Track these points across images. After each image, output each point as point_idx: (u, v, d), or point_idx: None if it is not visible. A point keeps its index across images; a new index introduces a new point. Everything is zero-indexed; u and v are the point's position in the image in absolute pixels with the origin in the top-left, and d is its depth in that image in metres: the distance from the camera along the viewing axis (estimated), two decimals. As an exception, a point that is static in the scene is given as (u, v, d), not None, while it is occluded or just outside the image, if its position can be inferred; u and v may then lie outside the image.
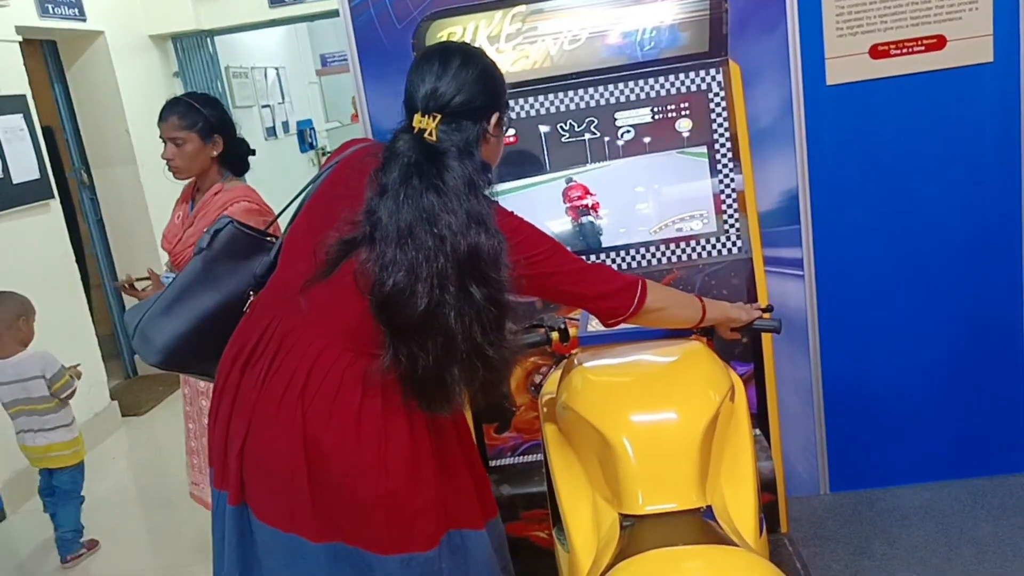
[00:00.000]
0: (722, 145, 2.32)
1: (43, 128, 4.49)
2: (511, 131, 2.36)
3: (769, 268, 2.46)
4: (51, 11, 4.47)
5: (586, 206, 2.37)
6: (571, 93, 2.34)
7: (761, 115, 2.41)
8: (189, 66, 5.87)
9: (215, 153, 2.38)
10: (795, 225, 2.51)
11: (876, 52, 2.42)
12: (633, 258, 2.36)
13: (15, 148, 3.99)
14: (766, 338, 2.39)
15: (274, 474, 1.41)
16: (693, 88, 2.32)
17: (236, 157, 2.45)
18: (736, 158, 2.32)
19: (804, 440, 2.67)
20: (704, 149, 2.32)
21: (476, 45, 1.61)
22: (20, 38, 4.21)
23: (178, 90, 5.84)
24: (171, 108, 2.36)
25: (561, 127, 2.35)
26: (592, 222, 2.37)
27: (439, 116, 1.45)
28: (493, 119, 1.52)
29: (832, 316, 2.59)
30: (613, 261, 2.36)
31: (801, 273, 2.54)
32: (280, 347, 1.44)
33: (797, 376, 2.62)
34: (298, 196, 1.58)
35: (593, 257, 2.36)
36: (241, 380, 1.46)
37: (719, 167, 2.32)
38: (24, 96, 4.12)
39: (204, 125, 2.34)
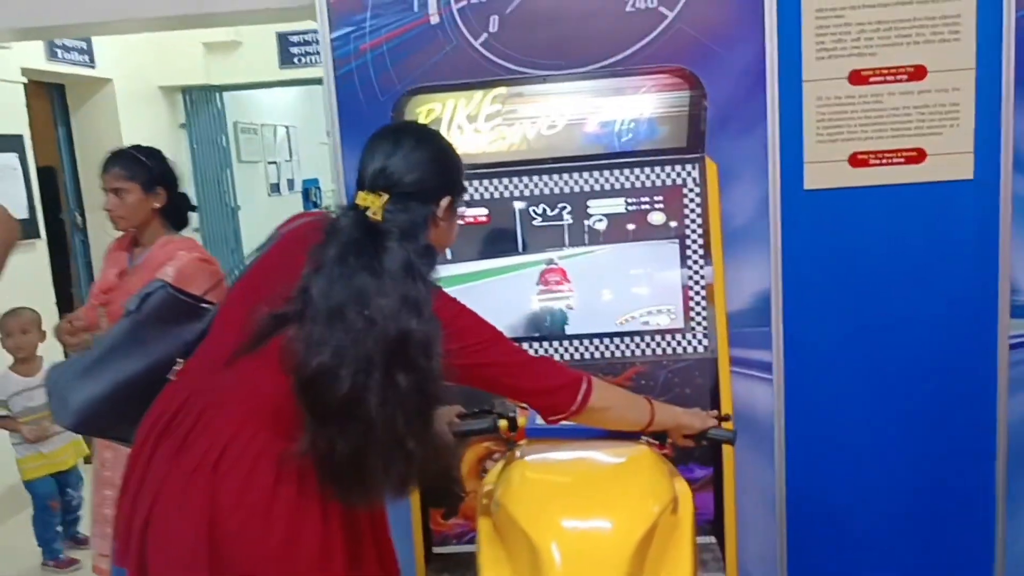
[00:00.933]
0: (694, 241, 2.29)
1: (43, 168, 4.53)
2: (483, 211, 2.35)
3: (737, 369, 2.41)
4: (60, 56, 4.54)
5: (560, 292, 2.34)
6: (545, 177, 2.33)
7: (736, 213, 2.39)
8: (196, 118, 5.95)
9: (157, 205, 2.40)
10: (765, 327, 2.46)
11: (855, 160, 2.40)
12: (597, 348, 2.31)
13: (7, 186, 4.01)
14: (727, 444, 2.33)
15: (174, 559, 1.35)
16: (668, 182, 2.30)
17: (178, 211, 2.48)
18: (707, 255, 2.29)
19: (763, 550, 2.57)
20: (676, 243, 2.30)
21: (435, 128, 1.59)
22: (25, 80, 4.27)
23: (183, 141, 5.91)
24: (114, 159, 2.38)
25: (534, 210, 2.33)
26: (561, 310, 2.33)
27: (386, 196, 1.43)
28: (444, 202, 1.50)
29: (800, 423, 2.52)
30: (576, 350, 2.31)
31: (770, 377, 2.48)
32: (197, 421, 1.39)
33: (760, 483, 2.54)
34: (239, 266, 1.55)
35: (556, 344, 2.31)
36: (154, 453, 1.41)
37: (690, 262, 2.29)
38: (21, 136, 4.16)
39: (147, 177, 2.37)
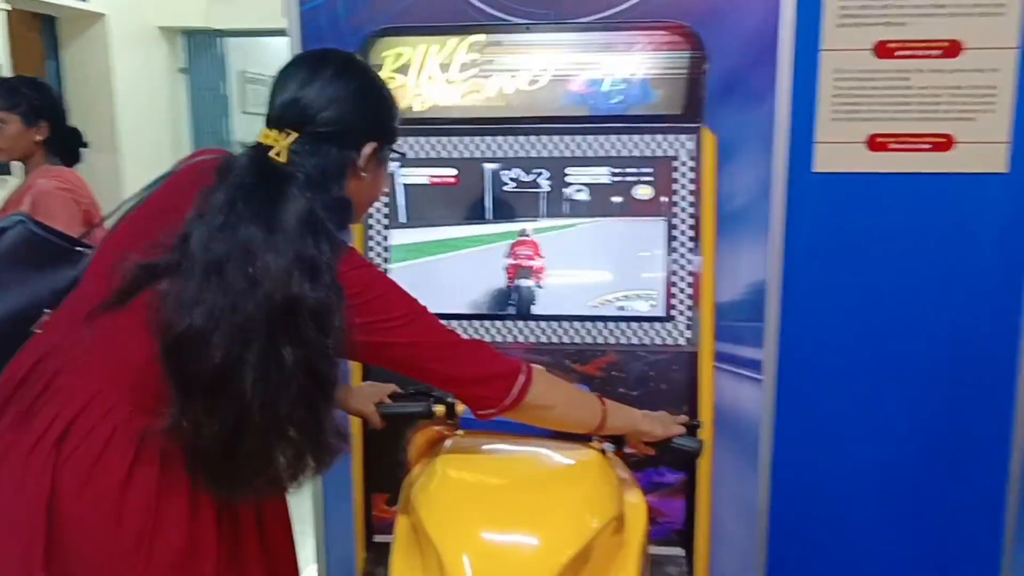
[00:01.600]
0: (683, 221, 2.05)
1: (30, 103, 4.32)
2: (452, 171, 2.11)
3: (723, 366, 2.17)
4: (49, -15, 4.33)
5: (530, 268, 2.10)
6: (522, 138, 2.08)
7: (734, 194, 2.13)
8: (197, 63, 5.73)
9: (38, 138, 2.37)
10: (759, 322, 2.21)
11: (874, 143, 2.14)
12: (565, 332, 2.07)
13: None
14: (705, 447, 2.09)
15: (7, 551, 1.13)
16: (659, 152, 2.05)
17: (66, 145, 2.43)
18: (697, 237, 2.05)
19: (740, 565, 2.34)
20: (663, 221, 2.05)
21: (362, 59, 1.36)
22: (8, 7, 4.05)
23: (182, 85, 5.70)
24: None
25: (507, 174, 2.09)
26: (530, 287, 2.10)
27: (295, 134, 1.20)
28: (367, 149, 1.26)
29: (790, 429, 2.28)
30: (543, 332, 2.08)
31: (760, 377, 2.24)
32: (48, 386, 1.17)
33: (740, 491, 2.30)
34: (125, 203, 1.33)
35: (520, 324, 2.08)
36: (2, 415, 1.19)
37: (676, 244, 2.05)
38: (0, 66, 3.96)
39: (27, 108, 2.33)
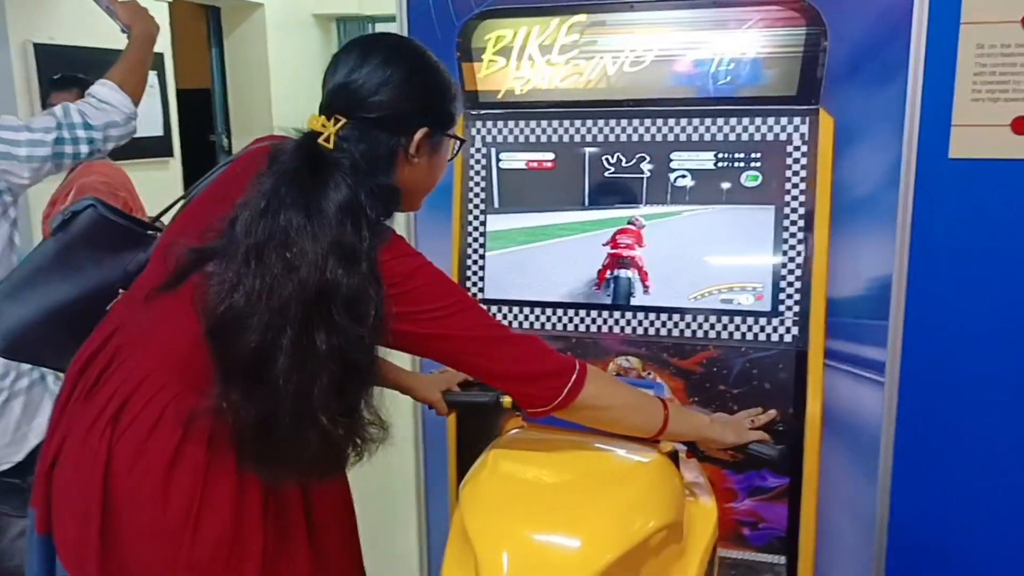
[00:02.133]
0: (794, 210, 1.91)
1: (197, 90, 4.62)
2: (550, 155, 2.06)
3: (838, 365, 2.02)
4: (210, -23, 4.58)
5: (630, 258, 2.03)
6: (624, 122, 2.00)
7: (855, 182, 1.97)
8: (350, 49, 5.91)
9: None
10: (881, 320, 2.04)
11: (1020, 126, 1.92)
12: (664, 324, 1.99)
13: (143, 103, 4.08)
14: (810, 449, 1.97)
15: (69, 511, 1.20)
16: (770, 136, 1.92)
17: None
18: (809, 227, 1.91)
19: (853, 577, 2.19)
20: (771, 210, 1.93)
21: (417, 41, 1.32)
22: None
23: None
24: (70, 82, 2.45)
25: (607, 159, 2.02)
26: (628, 278, 2.02)
27: (343, 120, 1.19)
28: (419, 134, 1.24)
29: (913, 436, 2.10)
30: (640, 324, 2.00)
31: (881, 379, 2.07)
32: (111, 362, 1.23)
33: (857, 499, 2.14)
34: (192, 189, 1.37)
35: (617, 315, 2.01)
36: (71, 392, 1.26)
37: (786, 234, 1.92)
38: (161, 55, 4.23)
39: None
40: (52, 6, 3.84)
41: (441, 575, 1.31)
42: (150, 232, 1.45)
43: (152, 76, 4.19)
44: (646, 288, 2.00)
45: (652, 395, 1.39)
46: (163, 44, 4.27)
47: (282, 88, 5.17)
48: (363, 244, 1.13)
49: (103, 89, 1.94)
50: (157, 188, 4.27)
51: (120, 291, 1.37)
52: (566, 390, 1.25)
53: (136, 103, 2.02)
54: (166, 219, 1.46)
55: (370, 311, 1.12)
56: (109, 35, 3.95)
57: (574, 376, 1.26)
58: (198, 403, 1.15)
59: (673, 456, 1.47)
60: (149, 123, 4.11)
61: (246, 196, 1.16)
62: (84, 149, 1.86)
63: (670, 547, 1.26)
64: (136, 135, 4.01)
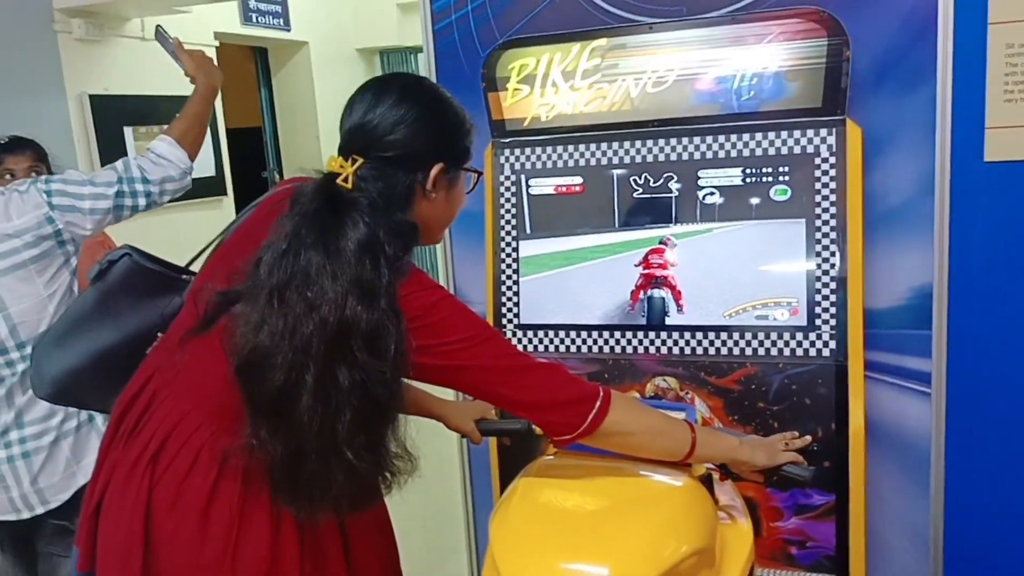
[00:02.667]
0: (825, 222, 1.89)
1: (248, 129, 4.76)
2: (578, 179, 2.08)
3: (883, 377, 1.99)
4: (254, 20, 4.71)
5: (664, 277, 2.03)
6: (650, 142, 2.01)
7: (889, 191, 1.94)
8: (394, 80, 6.02)
9: None
10: (925, 330, 2.00)
11: (1058, 125, 1.87)
12: (700, 344, 1.98)
13: (195, 146, 4.22)
14: (855, 464, 1.93)
15: (112, 552, 1.25)
16: (797, 150, 1.91)
17: None
18: (842, 239, 1.88)
19: (911, 596, 2.14)
20: (803, 223, 1.91)
21: (430, 80, 1.36)
22: (217, 43, 4.46)
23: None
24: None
25: (635, 180, 2.03)
26: (662, 297, 2.02)
27: (360, 160, 1.23)
28: (435, 170, 1.26)
29: (964, 447, 2.04)
30: (676, 344, 2.00)
31: (927, 390, 2.02)
32: (150, 403, 1.28)
33: (910, 517, 2.09)
34: (220, 235, 1.42)
35: (652, 336, 2.01)
36: (114, 434, 1.31)
37: (819, 247, 1.90)
38: (211, 97, 4.36)
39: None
40: (106, 58, 4.01)
41: None
42: (184, 276, 1.50)
43: (202, 118, 4.32)
44: (680, 307, 1.99)
45: (679, 419, 1.39)
46: (212, 87, 4.41)
47: (329, 123, 5.27)
48: (382, 280, 1.15)
49: (162, 145, 2.03)
50: (212, 227, 4.39)
51: (158, 335, 1.43)
52: (591, 417, 1.25)
53: (193, 157, 2.10)
54: (199, 263, 1.51)
55: (391, 346, 1.14)
56: (159, 84, 4.13)
57: (598, 403, 1.26)
58: (231, 442, 1.19)
59: (707, 479, 1.46)
60: (202, 164, 4.21)
61: (270, 238, 1.20)
62: (142, 202, 1.95)
63: (703, 572, 1.25)
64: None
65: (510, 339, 2.02)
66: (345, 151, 1.25)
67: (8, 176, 2.53)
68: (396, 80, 1.30)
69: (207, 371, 1.23)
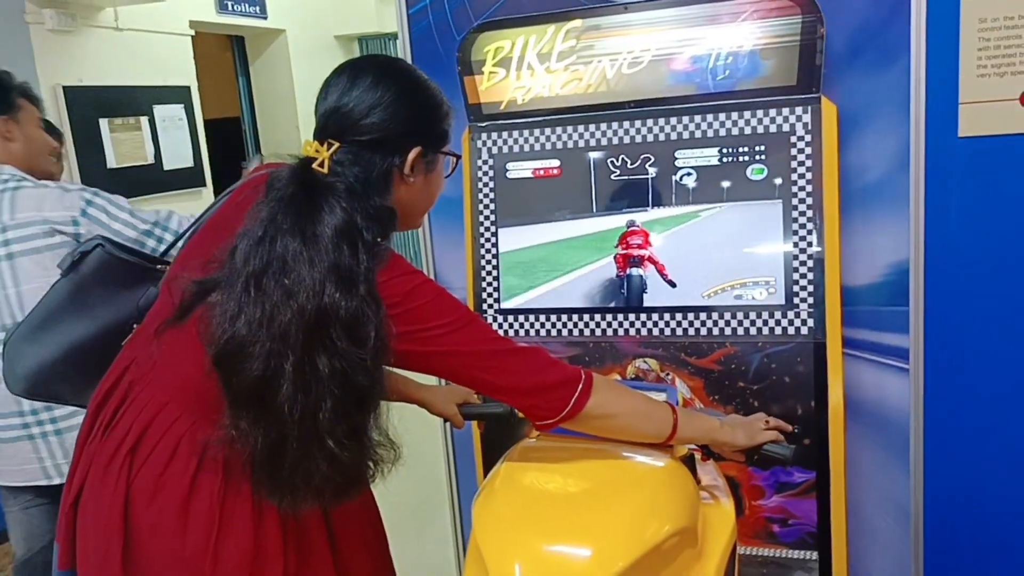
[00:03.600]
0: (801, 200, 1.90)
1: (226, 119, 4.72)
2: (555, 162, 2.07)
3: (862, 354, 1.99)
4: (230, 8, 4.67)
5: (641, 257, 2.03)
6: (626, 124, 2.01)
7: (865, 168, 1.94)
8: (374, 67, 5.98)
9: None
10: (902, 306, 2.01)
11: (1031, 99, 1.88)
12: (679, 324, 1.98)
13: (172, 136, 4.19)
14: (835, 441, 1.94)
15: (92, 546, 1.24)
16: (772, 128, 1.91)
17: None
18: (818, 217, 1.89)
19: (893, 571, 2.15)
20: (779, 203, 1.91)
21: (406, 62, 1.34)
22: (193, 32, 4.41)
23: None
24: None
25: (612, 162, 2.03)
26: (640, 275, 2.02)
27: (336, 144, 1.21)
28: (412, 154, 1.25)
29: (943, 422, 2.06)
30: (655, 325, 2.00)
31: (906, 366, 2.04)
32: (126, 396, 1.26)
33: (891, 492, 2.10)
34: (193, 224, 1.40)
35: (631, 317, 2.01)
36: (90, 428, 1.30)
37: (796, 226, 1.90)
38: (188, 88, 4.32)
39: None
40: (79, 49, 3.96)
41: None
42: (159, 267, 1.48)
43: (179, 109, 4.29)
44: (671, 282, 1.99)
45: (661, 401, 1.38)
46: (189, 76, 4.36)
47: (309, 111, 5.23)
48: (360, 267, 1.14)
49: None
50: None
51: (134, 326, 1.41)
52: (573, 401, 1.25)
53: None
54: (174, 252, 1.49)
55: (370, 333, 1.13)
56: (134, 74, 4.10)
57: (580, 386, 1.26)
58: (211, 433, 1.18)
59: (689, 459, 1.46)
60: (179, 156, 4.21)
61: (245, 225, 1.18)
62: (161, 248, 1.99)
63: (686, 552, 1.25)
64: (167, 167, 4.14)
65: (491, 323, 2.02)
66: (320, 135, 1.23)
67: None
68: (371, 62, 1.28)
69: (184, 362, 1.22)
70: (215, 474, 1.20)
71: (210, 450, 1.19)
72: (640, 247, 2.01)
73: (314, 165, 1.21)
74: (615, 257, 2.03)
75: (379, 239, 1.20)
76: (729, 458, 1.46)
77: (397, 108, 1.23)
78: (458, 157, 1.37)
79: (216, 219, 1.34)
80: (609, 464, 1.36)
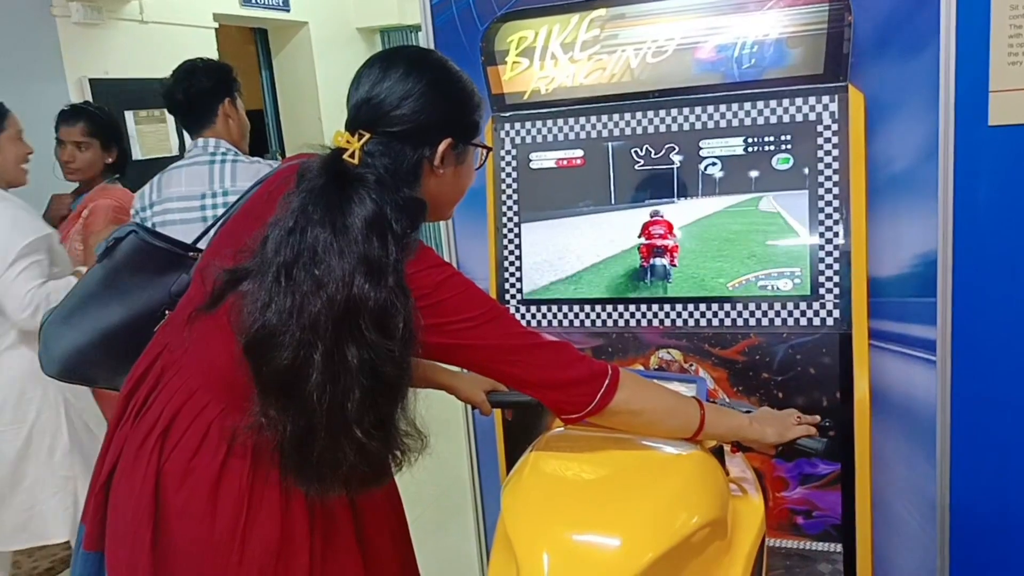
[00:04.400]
0: (828, 191, 1.88)
1: (249, 112, 4.72)
2: (578, 152, 2.07)
3: (888, 346, 1.98)
4: (253, 1, 4.68)
5: (665, 247, 2.02)
6: (651, 114, 1.99)
7: (892, 157, 1.92)
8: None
9: (109, 161, 2.76)
10: (930, 297, 1.99)
11: (1063, 87, 1.85)
12: (703, 315, 1.97)
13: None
14: (860, 433, 1.93)
15: (122, 528, 1.25)
16: (799, 117, 1.89)
17: (122, 166, 2.83)
18: (845, 207, 1.87)
19: (918, 564, 2.13)
20: (805, 193, 1.89)
21: (438, 53, 1.33)
22: (216, 25, 4.43)
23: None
24: (76, 115, 2.70)
25: (636, 152, 2.02)
26: (664, 266, 2.01)
27: (367, 135, 1.21)
28: (443, 145, 1.24)
29: (970, 415, 2.03)
30: (679, 316, 1.99)
31: (933, 357, 2.01)
32: (158, 382, 1.28)
33: (917, 485, 2.09)
34: (226, 212, 1.41)
35: (655, 308, 2.01)
36: (123, 411, 1.32)
37: (822, 216, 1.88)
38: (212, 80, 4.34)
39: (105, 134, 2.73)
40: (105, 42, 4.00)
41: None
42: (191, 254, 1.49)
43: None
44: (673, 264, 1.99)
45: (688, 396, 1.38)
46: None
47: (331, 103, 5.27)
48: (390, 258, 1.14)
49: None
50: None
51: (166, 312, 1.42)
52: (599, 396, 1.24)
53: None
54: (206, 240, 1.50)
55: (399, 324, 1.13)
56: (159, 66, 4.12)
57: (607, 382, 1.25)
58: (240, 420, 1.19)
59: (718, 450, 1.46)
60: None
61: (276, 215, 1.18)
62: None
63: (714, 544, 1.25)
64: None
65: (513, 314, 2.01)
66: (352, 126, 1.23)
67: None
68: (403, 53, 1.28)
69: (215, 349, 1.23)
70: (244, 460, 1.21)
71: (239, 436, 1.20)
72: (663, 237, 2.00)
73: (345, 156, 1.21)
74: (639, 248, 2.02)
75: (409, 231, 1.20)
76: (760, 451, 1.45)
77: (428, 99, 1.23)
78: (489, 149, 1.37)
79: (248, 208, 1.35)
80: (638, 454, 1.35)
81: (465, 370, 1.79)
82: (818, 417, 1.53)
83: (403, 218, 1.19)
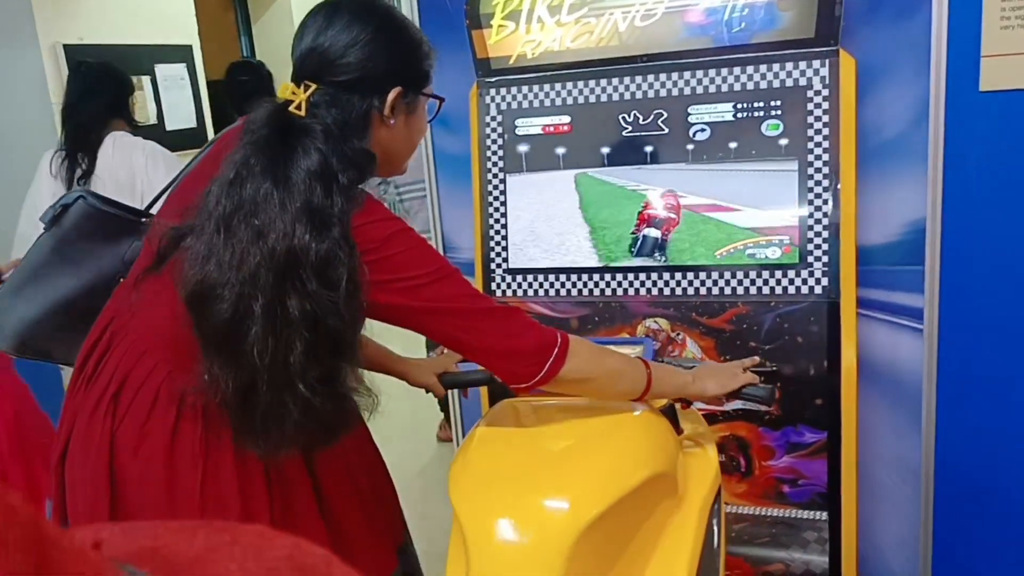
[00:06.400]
0: (818, 157, 1.86)
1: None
2: (565, 118, 2.03)
3: (876, 314, 1.97)
4: (232, -35, 4.58)
5: (660, 217, 1.99)
6: (639, 79, 1.96)
7: (883, 124, 1.90)
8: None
9: None
10: (918, 266, 1.98)
11: (1056, 53, 1.83)
12: (691, 283, 1.95)
13: (174, 96, 4.13)
14: (847, 401, 1.92)
15: (80, 496, 1.22)
16: (789, 83, 1.86)
17: None
18: (834, 174, 1.85)
19: (903, 531, 2.14)
20: (795, 160, 1.87)
21: (384, 1, 1.29)
22: (194, -10, 4.34)
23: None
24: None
25: (624, 118, 1.98)
26: (656, 238, 1.99)
27: (313, 86, 1.17)
28: (392, 94, 1.21)
29: (956, 383, 2.03)
30: (667, 284, 1.97)
31: (920, 326, 2.01)
32: (108, 347, 1.24)
33: (901, 452, 2.09)
34: (178, 175, 1.37)
35: (643, 276, 1.98)
36: (75, 381, 1.28)
37: (812, 183, 1.86)
38: (190, 47, 4.25)
39: None
40: (80, 6, 3.89)
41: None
42: (144, 220, 1.44)
43: (181, 68, 4.23)
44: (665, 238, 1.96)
45: (635, 358, 1.36)
46: (191, 35, 4.29)
47: (312, 71, 5.19)
48: (334, 208, 1.11)
49: None
50: (194, 179, 4.33)
51: (120, 281, 1.38)
52: (547, 365, 1.21)
53: None
54: (158, 206, 1.46)
55: (342, 276, 1.10)
56: (137, 32, 4.03)
57: (555, 351, 1.22)
58: (187, 381, 1.16)
59: (670, 409, 1.45)
60: (182, 116, 4.15)
61: (220, 170, 1.15)
62: None
63: (665, 501, 1.24)
64: (169, 128, 4.08)
65: (498, 283, 1.99)
66: (297, 77, 1.19)
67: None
68: (348, 1, 1.23)
69: (161, 309, 1.20)
70: (195, 423, 1.19)
71: (188, 397, 1.17)
72: (669, 209, 1.97)
73: (291, 108, 1.17)
74: (638, 213, 1.98)
75: (356, 183, 1.16)
76: (709, 404, 1.45)
77: (375, 47, 1.19)
78: (441, 100, 1.33)
79: (198, 169, 1.32)
80: (584, 418, 1.34)
81: (414, 357, 1.77)
82: (757, 359, 1.51)
83: (350, 170, 1.15)
